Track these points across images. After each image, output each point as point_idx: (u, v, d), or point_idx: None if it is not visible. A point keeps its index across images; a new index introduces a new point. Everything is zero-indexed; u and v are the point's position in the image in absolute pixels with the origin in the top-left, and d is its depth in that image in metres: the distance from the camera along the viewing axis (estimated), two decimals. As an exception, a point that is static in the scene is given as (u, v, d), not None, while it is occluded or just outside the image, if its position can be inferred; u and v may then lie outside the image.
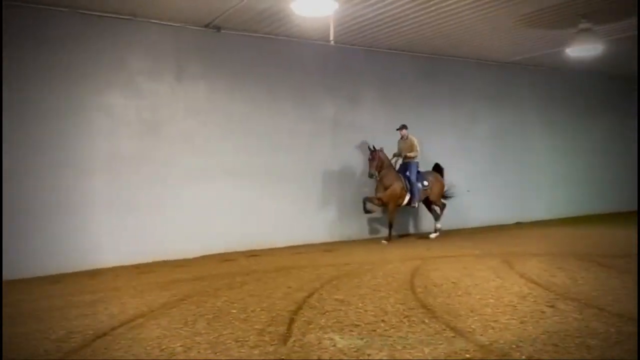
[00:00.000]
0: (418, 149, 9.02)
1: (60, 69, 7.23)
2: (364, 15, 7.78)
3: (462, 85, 10.91)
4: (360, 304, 4.53)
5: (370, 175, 8.69)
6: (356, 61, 9.67)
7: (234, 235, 8.33)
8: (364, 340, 3.60)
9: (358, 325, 3.92)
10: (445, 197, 9.59)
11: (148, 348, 3.52)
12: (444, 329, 3.79)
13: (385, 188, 8.75)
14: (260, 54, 8.77)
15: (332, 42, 8.30)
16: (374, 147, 8.76)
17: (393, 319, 4.05)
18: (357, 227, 9.47)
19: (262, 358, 3.31)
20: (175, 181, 7.95)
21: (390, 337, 3.65)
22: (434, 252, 7.57)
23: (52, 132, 7.12)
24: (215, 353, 3.41)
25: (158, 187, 7.82)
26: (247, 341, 3.62)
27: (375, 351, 3.38)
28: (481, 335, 3.67)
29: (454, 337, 3.64)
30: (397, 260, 6.90)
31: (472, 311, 4.25)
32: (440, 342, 3.53)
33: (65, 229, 7.10)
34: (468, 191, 10.53)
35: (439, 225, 9.34)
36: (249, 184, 8.46)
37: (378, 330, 3.81)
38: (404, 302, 4.56)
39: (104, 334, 3.87)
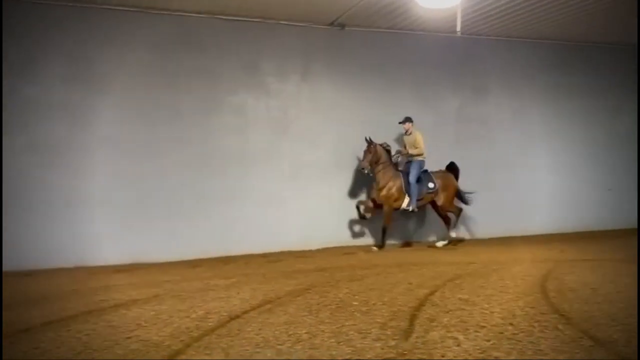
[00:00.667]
0: (422, 145, 8.07)
1: (203, 72, 7.88)
2: (491, 4, 7.44)
3: (602, 74, 9.94)
4: (486, 305, 4.36)
5: (361, 169, 7.97)
6: (481, 51, 9.30)
7: (354, 229, 8.50)
8: (491, 342, 3.46)
9: (484, 327, 3.77)
10: (464, 200, 8.47)
11: (276, 332, 3.72)
12: (581, 337, 3.51)
13: (380, 188, 7.94)
14: (384, 49, 8.79)
15: (458, 33, 8.01)
16: (370, 140, 7.92)
17: (522, 323, 3.84)
18: (485, 224, 9.07)
19: (384, 351, 3.33)
20: (300, 176, 8.29)
21: (519, 341, 3.46)
22: (568, 255, 7.03)
23: (196, 130, 7.76)
24: (339, 343, 3.51)
25: (284, 181, 8.22)
26: (369, 333, 3.67)
27: (503, 354, 3.23)
28: (625, 346, 3.34)
29: (592, 346, 3.35)
30: (527, 261, 6.51)
31: (613, 320, 3.88)
32: (577, 350, 3.28)
33: (206, 219, 7.77)
34: (609, 190, 9.60)
35: (453, 234, 8.28)
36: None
37: (505, 333, 3.64)
38: (535, 306, 4.30)
39: (237, 316, 4.16)
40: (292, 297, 4.80)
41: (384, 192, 7.90)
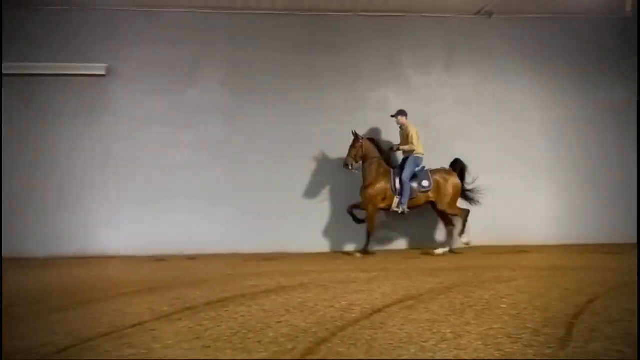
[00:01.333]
0: (416, 140, 7.29)
1: (345, 69, 8.07)
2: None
3: None
4: (658, 318, 3.85)
5: (345, 166, 7.31)
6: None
7: (501, 227, 8.05)
8: (666, 360, 3.05)
9: (657, 342, 3.34)
10: (472, 200, 7.52)
11: (419, 329, 3.68)
12: None
13: (365, 187, 7.28)
14: (535, 36, 8.20)
15: (628, 14, 7.12)
16: (356, 134, 7.35)
17: None
18: None
19: (538, 359, 3.12)
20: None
21: (703, 362, 3.01)
22: None
23: (339, 126, 7.93)
24: (486, 345, 3.36)
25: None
26: (519, 339, 3.46)
27: (683, 376, 2.83)
28: None
29: None
30: None
31: None
32: None
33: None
34: None
35: (464, 240, 7.35)
36: (521, 176, 8.02)
37: (685, 352, 3.18)
38: None
39: (379, 310, 4.20)
40: (434, 294, 4.71)
41: (368, 190, 7.28)
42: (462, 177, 7.54)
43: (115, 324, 4.00)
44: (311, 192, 7.96)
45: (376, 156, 7.39)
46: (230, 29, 7.93)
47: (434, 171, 7.46)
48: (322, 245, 7.80)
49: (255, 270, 6.21)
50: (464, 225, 7.42)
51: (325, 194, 7.99)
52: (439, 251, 7.32)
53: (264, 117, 7.98)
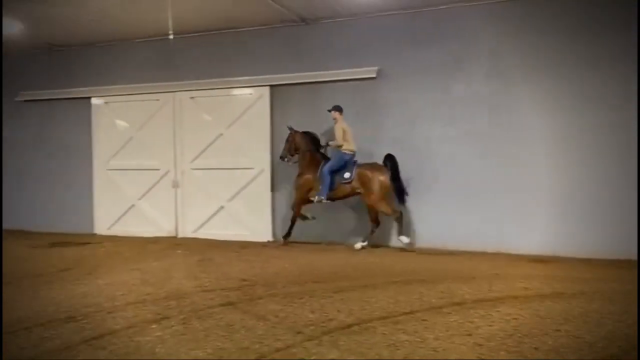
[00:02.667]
0: (339, 136, 7.66)
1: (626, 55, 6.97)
2: None
3: None
4: None
5: (280, 158, 8.17)
6: None
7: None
8: None
9: None
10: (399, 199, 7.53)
11: None
12: None
13: (296, 177, 8.03)
14: None
15: None
16: (290, 128, 8.07)
17: None
18: None
19: None
20: None
21: None
22: None
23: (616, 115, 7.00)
24: None
25: None
26: None
27: None
28: None
29: None
30: None
31: None
32: None
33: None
34: None
35: (404, 240, 7.46)
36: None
37: None
38: None
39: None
40: None
41: (296, 180, 7.96)
42: (394, 174, 7.49)
43: (389, 309, 4.28)
44: (593, 191, 7.08)
45: (308, 149, 7.92)
46: (491, 19, 7.60)
47: (362, 165, 7.61)
48: (601, 250, 6.84)
49: (525, 272, 5.85)
50: (400, 226, 7.53)
51: (617, 189, 6.99)
52: (357, 245, 7.68)
53: (532, 109, 7.43)
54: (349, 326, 3.85)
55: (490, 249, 7.42)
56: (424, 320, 3.95)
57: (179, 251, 7.67)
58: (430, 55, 7.95)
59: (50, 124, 10.45)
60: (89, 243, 8.64)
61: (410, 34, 8.08)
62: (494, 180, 7.61)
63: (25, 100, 10.54)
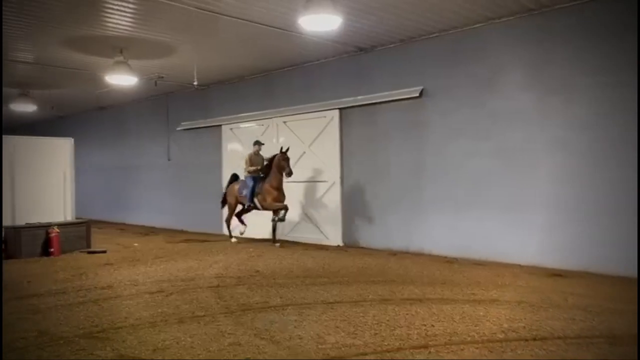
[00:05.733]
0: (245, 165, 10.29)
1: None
2: None
3: None
4: None
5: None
6: None
7: None
8: None
9: None
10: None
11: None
12: None
13: None
14: None
15: None
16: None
17: None
18: None
19: None
20: None
21: None
22: None
23: None
24: None
25: None
26: None
27: None
28: None
29: None
30: None
31: None
32: None
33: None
34: None
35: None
36: None
37: None
38: None
39: None
40: None
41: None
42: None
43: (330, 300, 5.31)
44: (625, 204, 6.68)
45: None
46: (525, 31, 7.58)
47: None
48: None
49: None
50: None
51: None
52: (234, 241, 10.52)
53: (566, 120, 7.25)
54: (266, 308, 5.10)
55: (523, 261, 7.53)
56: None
57: (251, 249, 9.50)
58: (468, 72, 8.27)
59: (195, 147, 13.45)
60: (206, 241, 11.09)
61: (452, 54, 8.51)
62: (524, 193, 7.63)
63: (183, 130, 13.72)
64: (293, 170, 9.58)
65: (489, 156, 8.03)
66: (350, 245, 9.74)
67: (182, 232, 12.88)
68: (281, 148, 9.78)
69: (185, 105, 13.68)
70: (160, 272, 7.17)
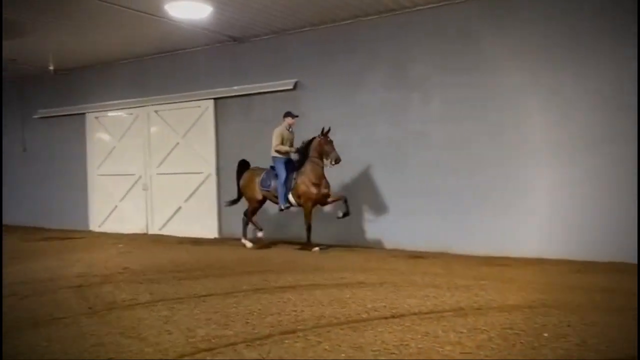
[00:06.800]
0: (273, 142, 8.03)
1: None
2: None
3: None
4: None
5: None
6: None
7: None
8: None
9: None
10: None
11: None
12: None
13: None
14: None
15: None
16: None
17: None
18: None
19: None
20: None
21: None
22: None
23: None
24: None
25: None
26: None
27: None
28: None
29: None
30: None
31: None
32: None
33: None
34: None
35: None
36: None
37: None
38: None
39: None
40: None
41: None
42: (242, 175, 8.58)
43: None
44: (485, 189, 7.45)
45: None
46: (391, 29, 8.10)
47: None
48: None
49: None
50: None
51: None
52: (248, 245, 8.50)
53: (428, 114, 7.89)
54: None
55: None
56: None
57: (120, 245, 9.04)
58: (339, 67, 8.62)
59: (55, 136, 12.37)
60: (68, 238, 10.30)
61: (323, 49, 8.79)
62: (395, 183, 8.16)
63: (40, 117, 12.52)
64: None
65: (361, 147, 8.44)
66: (226, 238, 9.67)
67: (41, 229, 11.82)
68: (322, 129, 7.72)
69: (44, 91, 12.51)
70: (14, 275, 6.54)
